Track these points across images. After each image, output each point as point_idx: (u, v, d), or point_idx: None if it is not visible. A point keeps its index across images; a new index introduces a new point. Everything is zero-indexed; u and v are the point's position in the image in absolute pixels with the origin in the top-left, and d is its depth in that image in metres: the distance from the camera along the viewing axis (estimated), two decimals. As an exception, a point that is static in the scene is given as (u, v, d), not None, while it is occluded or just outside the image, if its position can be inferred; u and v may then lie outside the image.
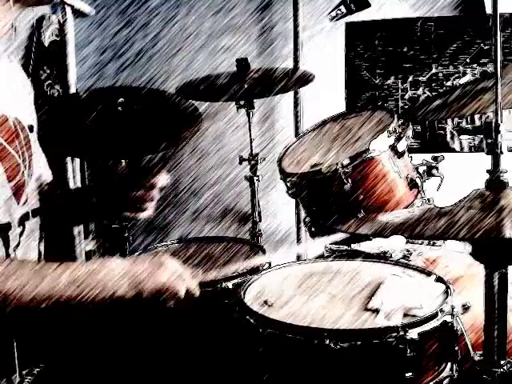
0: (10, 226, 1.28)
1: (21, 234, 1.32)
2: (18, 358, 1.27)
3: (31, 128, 1.39)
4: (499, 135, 1.23)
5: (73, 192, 1.80)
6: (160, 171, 1.51)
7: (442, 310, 1.35)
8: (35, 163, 1.38)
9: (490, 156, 1.24)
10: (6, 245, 1.27)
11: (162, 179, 1.51)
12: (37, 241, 1.42)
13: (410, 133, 1.89)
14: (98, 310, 1.16)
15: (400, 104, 3.02)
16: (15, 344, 1.26)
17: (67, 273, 1.14)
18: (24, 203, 1.32)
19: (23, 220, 1.33)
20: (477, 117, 2.90)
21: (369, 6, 1.75)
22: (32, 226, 1.37)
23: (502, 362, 1.28)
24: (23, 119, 1.35)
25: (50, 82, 2.87)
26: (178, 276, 1.27)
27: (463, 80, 2.92)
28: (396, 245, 2.08)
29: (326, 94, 2.98)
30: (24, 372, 1.30)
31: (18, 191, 1.29)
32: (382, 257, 2.00)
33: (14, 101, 1.33)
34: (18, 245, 1.31)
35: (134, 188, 1.49)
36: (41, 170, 1.43)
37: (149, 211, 1.54)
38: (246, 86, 2.48)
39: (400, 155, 1.86)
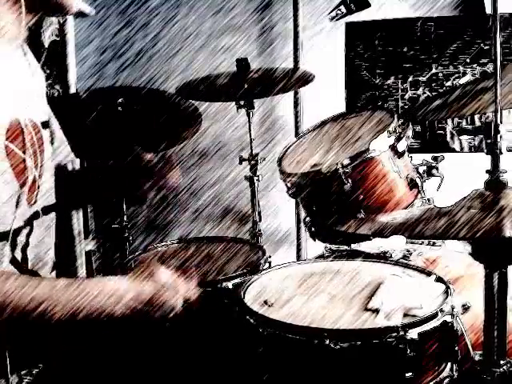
0: (22, 229, 1.27)
1: (29, 235, 1.30)
2: (13, 358, 1.26)
3: (45, 124, 1.36)
4: (499, 135, 1.23)
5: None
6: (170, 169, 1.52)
7: (441, 310, 1.35)
8: (47, 161, 1.36)
9: (490, 156, 1.25)
10: (13, 248, 1.26)
11: (175, 177, 1.53)
12: (52, 239, 1.40)
13: (410, 133, 1.89)
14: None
15: (400, 104, 3.01)
16: (9, 345, 1.26)
17: (63, 283, 1.14)
18: (33, 204, 1.31)
19: (31, 220, 1.31)
20: (477, 117, 2.90)
21: (369, 6, 1.74)
22: (44, 224, 1.36)
23: (502, 362, 1.28)
24: (36, 117, 1.33)
25: (50, 81, 2.87)
26: (169, 288, 1.25)
27: (463, 80, 2.92)
28: (396, 245, 2.09)
29: (326, 94, 2.98)
30: (23, 372, 1.30)
31: (28, 196, 1.28)
32: (382, 257, 2.00)
33: (27, 100, 1.30)
34: (26, 245, 1.29)
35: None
36: (49, 165, 1.42)
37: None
38: (245, 86, 2.48)
39: (400, 155, 1.86)
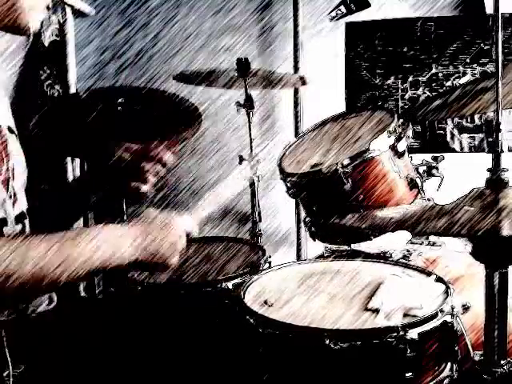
0: (5, 221, 1.27)
1: (21, 233, 1.31)
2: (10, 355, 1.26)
3: (10, 129, 1.35)
4: (500, 134, 1.23)
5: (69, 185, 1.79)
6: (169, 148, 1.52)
7: (441, 310, 1.35)
8: (15, 164, 1.36)
9: (491, 155, 1.25)
10: None
11: (169, 157, 1.53)
12: None
13: (410, 133, 1.89)
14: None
15: (400, 104, 3.01)
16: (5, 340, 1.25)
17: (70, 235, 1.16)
18: (15, 202, 1.31)
19: (21, 218, 1.31)
20: (477, 117, 2.90)
21: (369, 5, 1.75)
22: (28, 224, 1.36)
23: (502, 362, 1.28)
24: (1, 120, 1.32)
25: (50, 81, 2.87)
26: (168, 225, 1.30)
27: (463, 80, 2.92)
28: (396, 245, 2.09)
29: (326, 94, 2.98)
30: (5, 374, 1.29)
31: (4, 185, 1.28)
32: (382, 257, 2.00)
33: None
34: None
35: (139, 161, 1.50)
36: (20, 170, 1.40)
37: (148, 186, 1.55)
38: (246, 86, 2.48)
39: (400, 155, 1.86)
